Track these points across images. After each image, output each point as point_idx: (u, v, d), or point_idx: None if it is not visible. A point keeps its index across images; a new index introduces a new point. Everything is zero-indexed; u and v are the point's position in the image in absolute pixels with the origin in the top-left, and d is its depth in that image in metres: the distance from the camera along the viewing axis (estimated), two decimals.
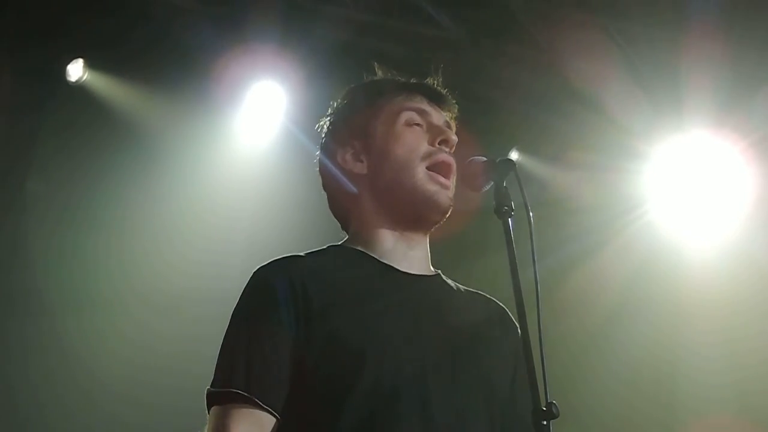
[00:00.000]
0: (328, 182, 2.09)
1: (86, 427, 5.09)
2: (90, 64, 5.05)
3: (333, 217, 2.13)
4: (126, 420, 5.15)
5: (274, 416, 1.77)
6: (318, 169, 2.12)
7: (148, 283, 5.27)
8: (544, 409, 1.60)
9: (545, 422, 1.59)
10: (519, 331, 1.69)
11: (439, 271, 2.05)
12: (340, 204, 2.09)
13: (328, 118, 2.14)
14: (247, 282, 1.90)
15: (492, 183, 1.83)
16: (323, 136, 2.13)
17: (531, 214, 1.74)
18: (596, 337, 5.58)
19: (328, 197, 2.12)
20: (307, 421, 1.78)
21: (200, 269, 5.36)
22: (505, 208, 1.77)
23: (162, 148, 5.18)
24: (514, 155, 5.45)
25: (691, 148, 5.18)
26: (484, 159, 1.88)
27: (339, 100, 2.14)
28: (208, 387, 1.82)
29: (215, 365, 1.84)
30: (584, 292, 5.55)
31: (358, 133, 2.05)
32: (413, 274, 1.96)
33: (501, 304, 2.06)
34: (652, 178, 5.39)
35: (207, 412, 1.82)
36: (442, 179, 1.98)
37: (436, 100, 2.09)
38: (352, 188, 2.03)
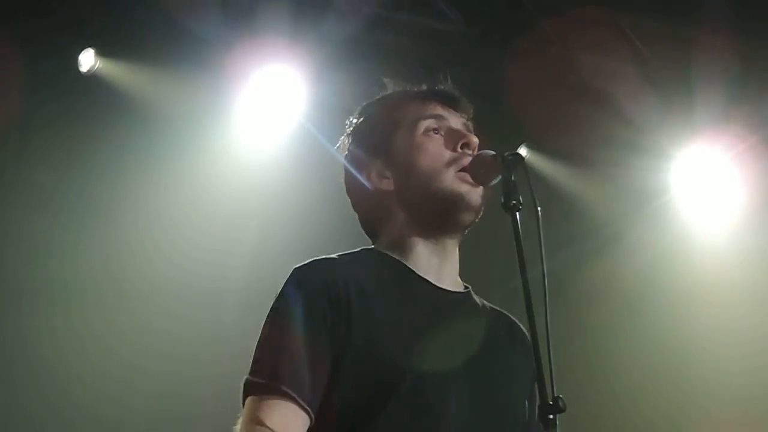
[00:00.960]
0: (357, 203, 2.10)
1: (81, 422, 5.11)
2: (101, 54, 5.06)
3: (358, 223, 2.13)
4: (122, 415, 5.15)
5: (310, 416, 1.77)
6: (345, 190, 2.11)
7: (152, 279, 5.28)
8: (551, 403, 1.60)
9: (551, 416, 1.59)
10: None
11: (469, 288, 2.05)
12: (371, 222, 2.08)
13: (347, 137, 2.12)
14: (285, 280, 1.89)
15: (500, 177, 1.83)
16: (345, 156, 2.11)
17: (539, 208, 1.74)
18: (607, 331, 5.58)
19: (359, 217, 2.11)
20: (337, 430, 1.78)
21: (205, 268, 5.38)
22: (514, 202, 1.77)
23: (174, 139, 5.17)
24: (522, 150, 5.44)
25: (702, 143, 5.17)
26: (493, 153, 1.88)
27: (355, 119, 2.13)
28: (247, 376, 1.81)
29: (254, 356, 1.83)
30: (594, 288, 5.55)
31: (378, 150, 2.04)
32: (445, 290, 1.97)
33: (522, 325, 2.05)
34: (663, 173, 5.37)
35: (242, 400, 1.81)
36: (471, 179, 1.96)
37: (451, 103, 2.08)
38: (381, 206, 2.02)
